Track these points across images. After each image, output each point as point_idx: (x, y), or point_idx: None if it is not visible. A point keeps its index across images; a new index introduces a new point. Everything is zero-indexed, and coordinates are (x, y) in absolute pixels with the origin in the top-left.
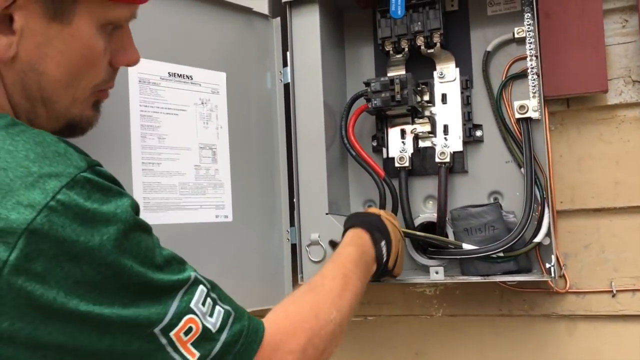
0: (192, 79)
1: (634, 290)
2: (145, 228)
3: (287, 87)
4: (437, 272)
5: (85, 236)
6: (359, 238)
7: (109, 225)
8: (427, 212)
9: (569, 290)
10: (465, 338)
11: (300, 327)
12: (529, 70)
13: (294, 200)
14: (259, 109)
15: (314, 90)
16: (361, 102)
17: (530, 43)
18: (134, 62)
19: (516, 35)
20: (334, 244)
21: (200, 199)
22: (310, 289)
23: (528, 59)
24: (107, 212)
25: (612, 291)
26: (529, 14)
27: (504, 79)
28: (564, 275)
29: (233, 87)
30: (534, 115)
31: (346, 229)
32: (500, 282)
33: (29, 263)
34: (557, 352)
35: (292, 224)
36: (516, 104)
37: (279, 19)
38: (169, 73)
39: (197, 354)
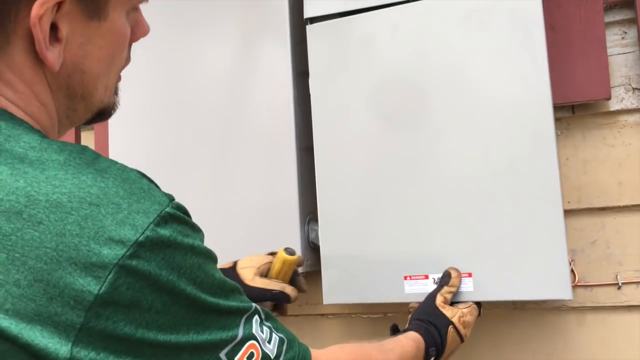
0: None
1: (637, 283)
2: (215, 259)
3: None
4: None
5: (167, 269)
6: (416, 347)
7: (187, 258)
8: None
9: (578, 284)
10: (481, 331)
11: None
12: None
13: None
14: None
15: None
16: None
17: None
18: (147, 32)
19: None
20: (395, 330)
21: None
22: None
23: None
24: (187, 245)
25: (617, 284)
26: None
27: None
28: (572, 270)
29: None
30: None
31: (414, 324)
32: None
33: (117, 296)
34: (568, 342)
35: None
36: None
37: None
38: None
39: None
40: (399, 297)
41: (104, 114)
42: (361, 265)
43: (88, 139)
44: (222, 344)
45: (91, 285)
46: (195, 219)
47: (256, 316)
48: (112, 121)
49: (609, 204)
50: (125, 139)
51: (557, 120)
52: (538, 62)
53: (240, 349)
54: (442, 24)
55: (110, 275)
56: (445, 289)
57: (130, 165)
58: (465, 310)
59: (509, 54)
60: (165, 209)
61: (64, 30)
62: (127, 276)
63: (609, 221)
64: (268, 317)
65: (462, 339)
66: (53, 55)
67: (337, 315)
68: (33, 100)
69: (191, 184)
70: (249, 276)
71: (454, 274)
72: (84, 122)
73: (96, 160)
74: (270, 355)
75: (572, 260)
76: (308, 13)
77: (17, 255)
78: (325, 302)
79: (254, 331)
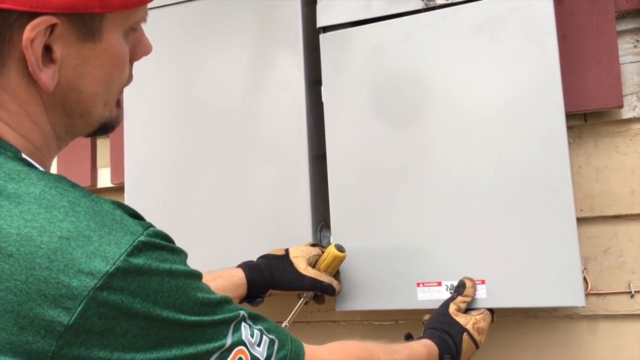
0: None
1: None
2: (198, 275)
3: None
4: None
5: (141, 296)
6: (427, 353)
7: (164, 283)
8: None
9: (590, 292)
10: (493, 338)
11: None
12: None
13: None
14: None
15: None
16: None
17: None
18: (150, 51)
19: None
20: (409, 337)
21: None
22: (362, 350)
23: None
24: (164, 270)
25: (630, 292)
26: None
27: None
28: (585, 278)
29: None
30: None
31: (428, 333)
32: None
33: (88, 325)
34: (580, 350)
35: None
36: None
37: None
38: None
39: None
40: (412, 304)
41: (106, 127)
42: (374, 272)
43: (103, 146)
44: (208, 354)
45: (61, 317)
46: (208, 225)
47: (244, 322)
48: (126, 128)
49: (621, 212)
50: (140, 146)
51: (570, 128)
52: (550, 71)
53: (228, 356)
54: (455, 33)
55: (80, 307)
56: (460, 298)
57: (146, 172)
58: (478, 317)
59: (521, 63)
60: (139, 238)
61: (57, 51)
62: (99, 307)
63: (622, 229)
64: (257, 320)
65: (477, 346)
66: (47, 76)
67: (349, 322)
68: (25, 119)
69: (204, 190)
70: (302, 265)
71: (468, 283)
72: (85, 135)
73: (70, 192)
74: (260, 357)
75: (584, 269)
76: (321, 22)
77: None
78: (337, 309)
79: (243, 337)
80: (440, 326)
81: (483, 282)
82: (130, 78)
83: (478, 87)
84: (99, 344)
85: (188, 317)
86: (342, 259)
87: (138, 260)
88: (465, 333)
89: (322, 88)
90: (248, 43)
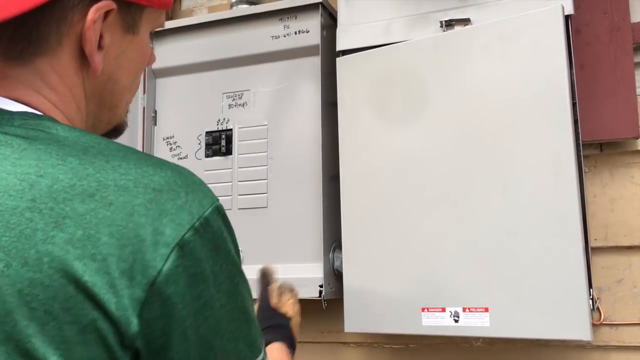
0: None
1: None
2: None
3: None
4: None
5: (212, 259)
6: (287, 354)
7: (229, 257)
8: None
9: (603, 322)
10: None
11: None
12: None
13: None
14: None
15: None
16: None
17: None
18: (154, 61)
19: None
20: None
21: None
22: None
23: None
24: (229, 245)
25: None
26: None
27: None
28: (598, 309)
29: None
30: None
31: (270, 336)
32: None
33: (176, 276)
34: None
35: None
36: None
37: None
38: None
39: None
40: (416, 329)
41: (117, 130)
42: (382, 295)
43: None
44: (254, 354)
45: (157, 261)
46: None
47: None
48: None
49: (636, 242)
50: None
51: (585, 157)
52: (559, 93)
53: None
54: (467, 57)
55: (173, 253)
56: (272, 286)
57: None
58: (292, 301)
59: (531, 86)
60: (215, 203)
61: (106, 39)
62: (185, 258)
63: (636, 260)
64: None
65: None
66: (99, 60)
67: (359, 344)
68: (72, 103)
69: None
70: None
71: (267, 268)
72: (103, 136)
73: (151, 157)
74: None
75: (597, 299)
76: (341, 46)
77: (92, 232)
78: (346, 330)
79: None
80: (274, 323)
81: (486, 309)
82: (138, 84)
83: (488, 109)
84: (182, 300)
85: (244, 298)
86: None
87: (215, 224)
88: (291, 320)
89: (338, 110)
90: None
